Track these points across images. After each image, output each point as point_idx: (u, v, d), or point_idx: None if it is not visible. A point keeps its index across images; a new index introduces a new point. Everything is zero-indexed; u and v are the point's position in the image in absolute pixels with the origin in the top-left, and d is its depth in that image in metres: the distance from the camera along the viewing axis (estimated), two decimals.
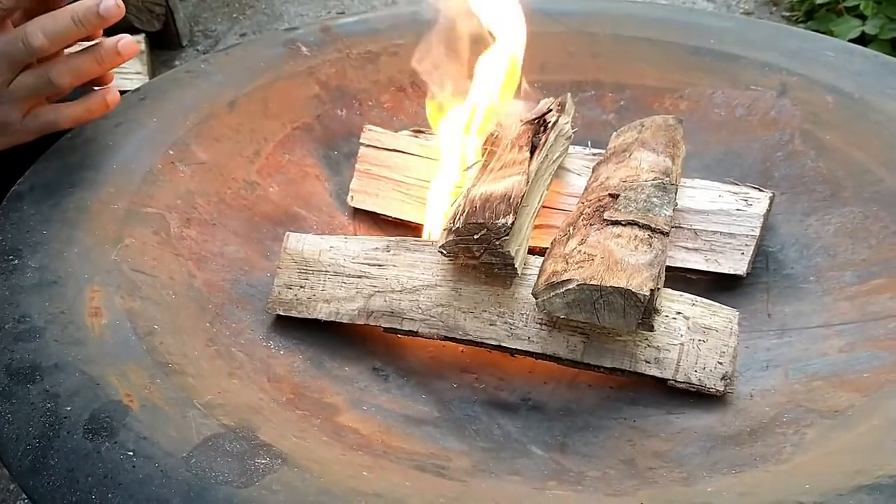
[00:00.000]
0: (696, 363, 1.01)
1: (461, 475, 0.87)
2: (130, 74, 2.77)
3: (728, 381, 1.00)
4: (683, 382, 1.01)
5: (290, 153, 1.38)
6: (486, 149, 1.20)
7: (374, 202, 1.33)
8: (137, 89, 1.37)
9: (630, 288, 0.92)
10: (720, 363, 1.00)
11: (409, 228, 1.32)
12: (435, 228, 1.23)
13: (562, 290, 0.94)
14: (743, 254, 1.18)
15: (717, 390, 1.00)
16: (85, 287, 0.98)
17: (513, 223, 0.96)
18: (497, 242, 0.96)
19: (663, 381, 1.02)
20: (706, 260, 1.19)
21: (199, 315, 1.04)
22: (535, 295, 0.97)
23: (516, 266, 0.98)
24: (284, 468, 0.77)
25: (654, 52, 1.52)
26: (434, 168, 1.29)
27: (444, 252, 0.99)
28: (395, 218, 1.32)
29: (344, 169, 1.40)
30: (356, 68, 1.51)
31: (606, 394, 1.07)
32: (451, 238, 0.98)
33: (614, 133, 1.32)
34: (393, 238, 1.10)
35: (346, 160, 1.41)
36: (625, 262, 0.95)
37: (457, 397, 1.06)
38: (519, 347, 1.04)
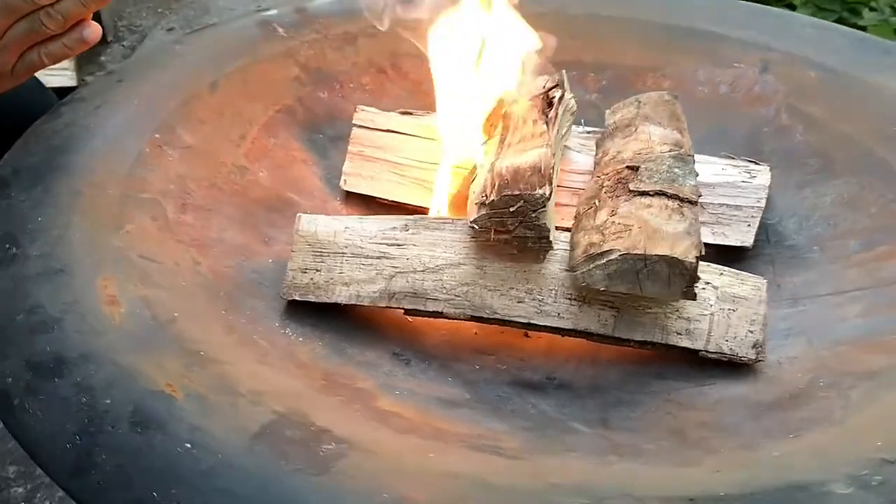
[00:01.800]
0: (727, 332, 1.00)
1: (520, 454, 0.84)
2: (56, 70, 2.63)
3: (759, 349, 1.00)
4: (715, 352, 1.01)
5: (274, 136, 1.32)
6: (490, 125, 1.17)
7: (369, 185, 1.28)
8: (112, 71, 1.29)
9: (676, 255, 0.90)
10: (751, 331, 1.00)
11: (406, 211, 1.28)
12: (441, 208, 1.20)
13: (603, 262, 0.92)
14: (749, 225, 1.18)
15: (749, 359, 1.00)
16: (95, 275, 0.91)
17: (550, 194, 0.93)
18: (533, 215, 0.94)
19: (692, 353, 1.01)
20: (713, 233, 1.19)
21: (213, 302, 0.98)
22: (572, 268, 0.95)
23: (551, 239, 0.95)
24: (354, 453, 0.73)
25: (634, 32, 1.52)
26: (430, 148, 1.26)
27: (476, 226, 0.96)
28: (390, 201, 1.28)
29: (330, 152, 1.35)
30: (335, 49, 1.46)
31: (631, 370, 1.06)
32: (483, 212, 0.95)
33: (608, 110, 1.31)
34: (411, 217, 1.06)
35: (331, 144, 1.36)
36: (663, 230, 0.94)
37: (482, 379, 1.03)
38: (549, 324, 1.01)
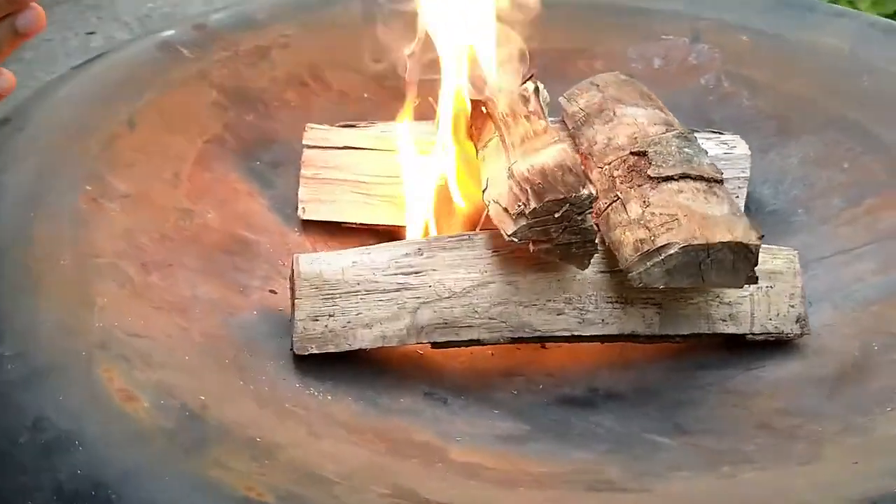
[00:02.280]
0: (769, 311, 0.96)
1: (635, 483, 0.75)
2: None
3: (803, 322, 0.97)
4: (761, 334, 0.96)
5: (209, 171, 1.16)
6: (474, 128, 1.07)
7: (331, 210, 1.15)
8: (6, 119, 1.08)
9: (740, 240, 0.85)
10: (792, 306, 0.97)
11: (376, 234, 1.16)
12: (416, 223, 1.08)
13: (661, 258, 0.85)
14: (738, 196, 1.15)
15: (795, 334, 0.97)
16: (91, 367, 0.74)
17: (596, 193, 0.85)
18: (579, 217, 0.85)
19: (734, 338, 0.97)
20: None
21: (226, 373, 0.84)
22: (626, 270, 0.87)
23: (597, 241, 0.87)
24: None
25: (557, 14, 1.45)
26: (394, 161, 1.14)
27: (517, 240, 0.86)
28: (358, 224, 1.15)
29: (273, 180, 1.21)
30: (249, 66, 1.31)
31: (669, 365, 1.00)
32: (523, 223, 0.86)
33: (562, 98, 1.24)
34: (423, 239, 0.95)
35: (272, 170, 1.22)
36: (711, 216, 0.88)
37: (526, 405, 0.94)
38: (594, 333, 0.93)
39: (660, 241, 0.86)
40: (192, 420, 0.71)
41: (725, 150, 1.17)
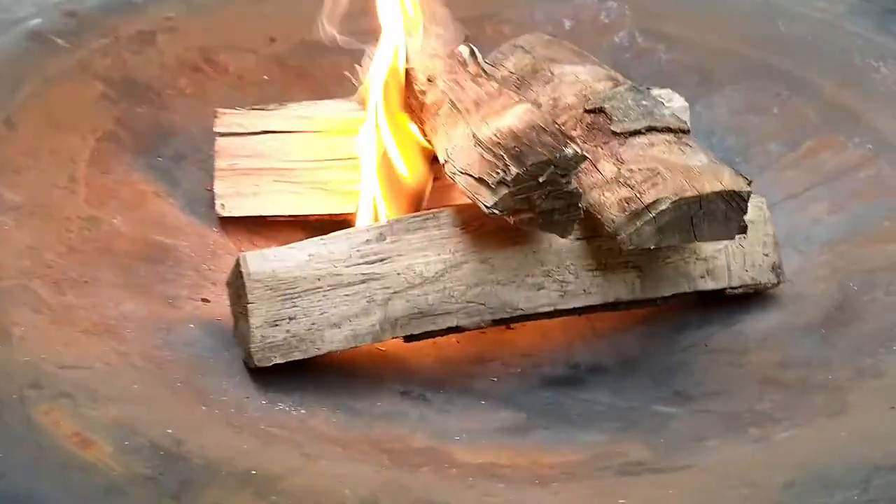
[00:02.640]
0: (745, 262, 0.92)
1: (671, 460, 0.69)
2: None
3: (779, 270, 0.93)
4: (739, 286, 0.92)
5: (108, 171, 1.02)
6: (409, 98, 0.98)
7: (254, 203, 1.03)
8: None
9: (731, 188, 0.80)
10: (766, 255, 0.93)
11: (307, 226, 1.04)
12: (366, 202, 0.98)
13: (652, 216, 0.79)
14: None
15: (773, 283, 0.93)
16: (29, 409, 0.60)
17: (582, 151, 0.78)
18: (564, 180, 0.78)
19: (707, 294, 0.92)
20: None
21: (183, 398, 0.72)
22: (615, 232, 0.80)
23: (581, 204, 0.80)
24: None
25: None
26: (321, 143, 1.03)
27: (498, 211, 0.78)
28: (287, 216, 1.03)
29: (178, 176, 1.08)
30: (134, 53, 1.16)
31: (642, 332, 0.95)
32: (504, 192, 0.77)
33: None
34: (383, 223, 0.85)
35: (175, 166, 1.09)
36: (692, 166, 0.83)
37: (512, 390, 0.87)
38: (578, 305, 0.86)
39: (647, 198, 0.80)
40: (170, 460, 0.59)
41: (665, 104, 1.12)
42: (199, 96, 1.18)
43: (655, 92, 1.14)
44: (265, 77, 1.24)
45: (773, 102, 1.19)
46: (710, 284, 0.91)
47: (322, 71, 1.24)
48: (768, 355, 0.86)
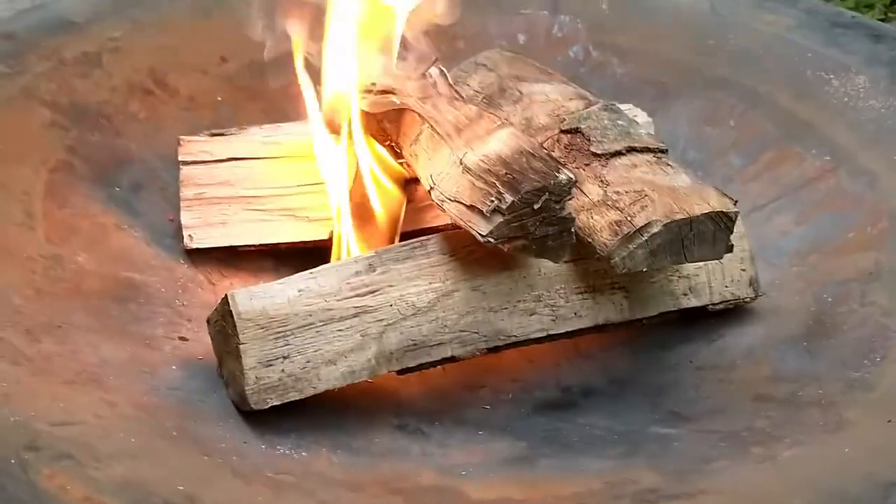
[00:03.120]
0: (724, 278, 0.93)
1: (685, 485, 0.69)
2: None
3: (756, 284, 0.95)
4: (720, 302, 0.93)
5: (66, 205, 0.97)
6: (383, 122, 0.96)
7: (223, 233, 0.99)
8: None
9: (719, 209, 0.80)
10: (743, 269, 0.94)
11: (277, 255, 1.01)
12: (340, 228, 0.96)
13: (644, 239, 0.79)
14: None
15: (750, 297, 0.94)
16: (32, 475, 0.56)
17: (575, 177, 0.77)
18: (557, 206, 0.77)
19: (687, 311, 0.93)
20: None
21: (182, 449, 0.69)
22: (608, 255, 0.80)
23: (573, 230, 0.79)
24: None
25: None
26: (291, 168, 1.01)
27: (493, 239, 0.76)
28: (258, 246, 1.00)
29: (139, 207, 1.03)
30: (81, 76, 1.10)
31: (627, 351, 0.95)
32: (499, 220, 0.76)
33: None
34: (372, 253, 0.82)
35: (134, 195, 1.04)
36: (678, 187, 0.83)
37: (507, 418, 0.86)
38: (570, 328, 0.86)
39: (638, 221, 0.80)
40: None
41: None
42: (152, 120, 1.13)
43: (623, 105, 1.15)
44: (218, 98, 1.20)
45: (729, 114, 1.21)
46: (692, 302, 0.92)
47: (275, 91, 1.21)
48: (756, 370, 0.87)
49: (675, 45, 1.29)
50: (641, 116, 1.14)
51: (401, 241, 0.97)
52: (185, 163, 0.98)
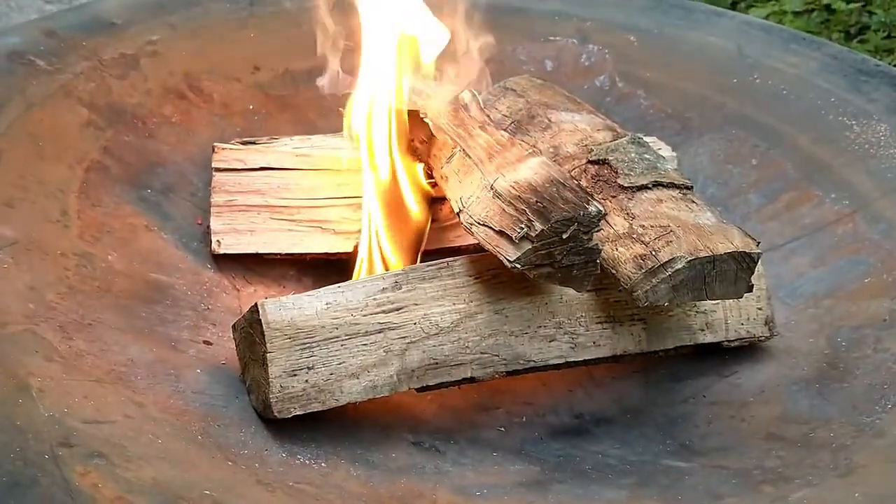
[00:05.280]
0: (741, 316, 0.95)
1: None
2: None
3: (771, 323, 0.96)
4: (735, 339, 0.95)
5: (99, 204, 0.99)
6: (414, 141, 0.98)
7: (250, 241, 1.01)
8: None
9: (743, 249, 0.82)
10: (760, 308, 0.96)
11: (301, 264, 1.03)
12: (366, 249, 0.98)
13: (667, 274, 0.81)
14: None
15: (765, 336, 0.96)
16: (65, 471, 0.58)
17: (605, 209, 0.79)
18: (585, 237, 0.79)
19: (702, 345, 0.94)
20: None
21: (208, 453, 0.70)
22: (631, 288, 0.82)
23: (599, 261, 0.81)
24: None
25: (437, 16, 1.39)
26: (321, 181, 1.02)
27: (520, 265, 0.78)
28: (284, 254, 1.02)
29: (169, 210, 1.05)
30: (118, 77, 1.13)
31: (640, 381, 0.96)
32: (527, 247, 0.78)
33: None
34: (399, 271, 0.84)
35: (164, 198, 1.06)
36: (703, 225, 0.85)
37: (521, 441, 0.87)
38: (588, 357, 0.88)
39: (663, 256, 0.81)
40: None
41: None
42: (184, 125, 1.15)
43: (648, 138, 1.17)
44: (250, 106, 1.22)
45: (751, 153, 1.23)
46: (708, 337, 0.93)
47: (306, 101, 1.23)
48: (768, 409, 0.89)
49: (701, 81, 1.31)
50: (666, 150, 1.16)
51: (423, 258, 0.99)
52: (219, 169, 1.00)
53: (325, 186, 1.02)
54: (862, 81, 1.24)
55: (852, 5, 2.08)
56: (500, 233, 0.80)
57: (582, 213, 0.78)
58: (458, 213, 0.86)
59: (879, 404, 0.84)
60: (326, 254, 1.02)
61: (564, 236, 0.78)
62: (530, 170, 0.84)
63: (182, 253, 1.00)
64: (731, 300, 0.94)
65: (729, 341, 0.94)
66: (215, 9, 1.28)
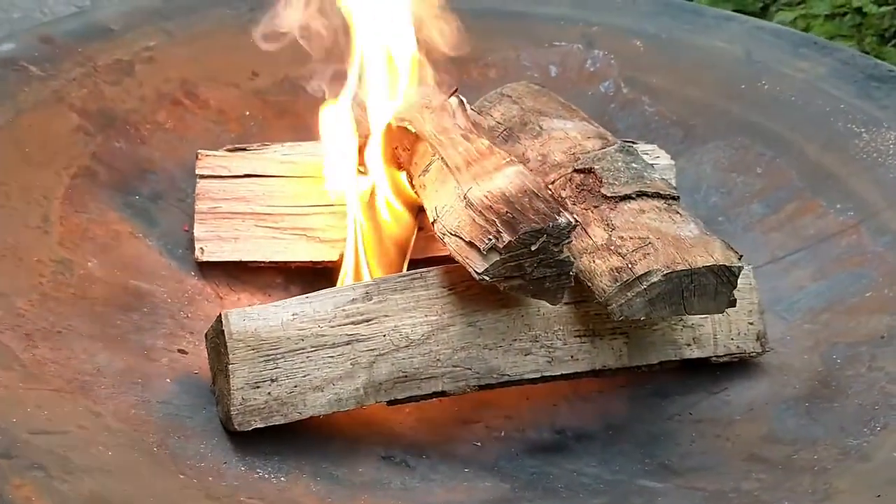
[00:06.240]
0: (731, 330, 0.92)
1: None
2: None
3: (763, 339, 0.93)
4: (725, 355, 0.92)
5: (84, 210, 0.99)
6: (398, 149, 0.97)
7: (234, 248, 1.00)
8: None
9: (723, 263, 0.79)
10: (751, 323, 0.93)
11: (286, 272, 1.02)
12: (350, 259, 0.97)
13: (643, 287, 0.78)
14: None
15: (756, 352, 0.93)
16: (1, 483, 0.57)
17: (575, 220, 0.77)
18: (556, 249, 0.76)
19: (692, 360, 0.92)
20: None
21: (160, 465, 0.69)
22: (606, 301, 0.79)
23: (572, 272, 0.79)
24: None
25: (441, 22, 1.37)
26: (306, 189, 1.02)
27: (488, 278, 0.76)
28: (268, 262, 1.01)
29: (156, 216, 1.05)
30: (112, 84, 1.13)
31: (627, 396, 0.94)
32: (495, 259, 0.76)
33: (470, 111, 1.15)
34: (370, 281, 0.83)
35: (153, 205, 1.06)
36: (683, 237, 0.82)
37: (496, 457, 0.85)
38: (565, 371, 0.85)
39: (639, 269, 0.79)
40: None
41: (651, 161, 1.12)
42: (178, 131, 1.15)
43: (642, 148, 1.14)
44: (247, 112, 1.21)
45: (756, 162, 1.19)
46: (695, 353, 0.91)
47: (304, 108, 1.22)
48: (753, 428, 0.86)
49: (707, 87, 1.28)
50: (664, 158, 1.13)
51: (409, 268, 0.98)
52: (203, 176, 1.00)
53: (310, 194, 1.01)
54: (873, 87, 1.20)
55: (884, 8, 2.01)
56: (470, 243, 0.78)
57: (551, 224, 0.76)
58: (432, 223, 0.85)
59: (868, 426, 0.81)
60: (312, 262, 1.01)
61: (533, 248, 0.76)
62: (506, 179, 0.82)
63: (166, 260, 1.00)
64: (719, 315, 0.91)
65: (717, 357, 0.91)
66: (214, 15, 1.28)
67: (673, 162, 1.12)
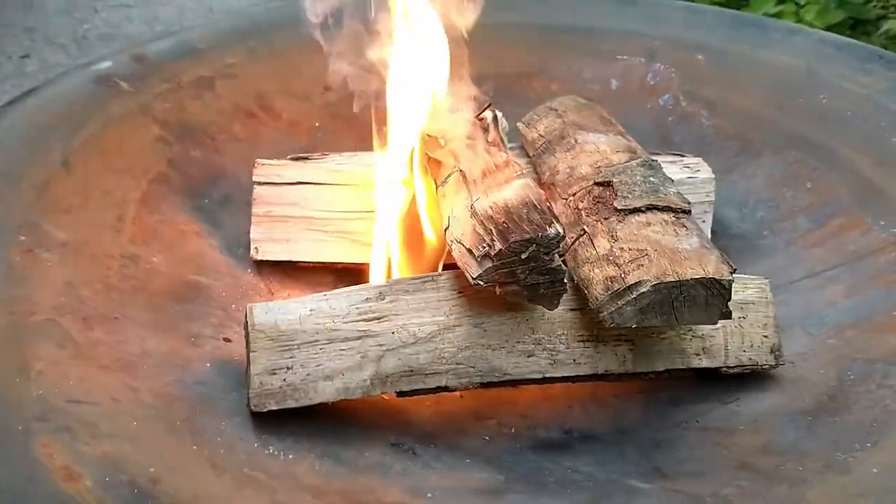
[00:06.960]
0: (743, 342, 0.93)
1: None
2: None
3: (777, 353, 0.94)
4: (736, 366, 0.93)
5: (157, 212, 1.10)
6: (431, 161, 1.03)
7: (285, 249, 1.09)
8: None
9: (713, 276, 0.82)
10: (765, 336, 0.94)
11: (333, 272, 1.11)
12: (380, 258, 1.04)
13: (633, 296, 0.82)
14: (703, 221, 1.13)
15: (770, 365, 0.94)
16: (29, 441, 0.68)
17: (564, 232, 0.82)
18: (547, 258, 0.81)
19: (707, 370, 0.94)
20: None
21: (178, 437, 0.78)
22: (598, 309, 0.84)
23: (566, 280, 0.83)
24: None
25: (507, 36, 1.43)
26: (351, 196, 1.10)
27: (482, 282, 0.82)
28: (315, 263, 1.10)
29: (222, 218, 1.15)
30: (193, 98, 1.25)
31: (642, 403, 0.97)
32: (488, 265, 0.81)
33: (520, 123, 1.20)
34: (384, 283, 0.90)
35: (220, 208, 1.16)
36: (681, 250, 0.85)
37: (500, 451, 0.90)
38: (566, 374, 0.90)
39: (630, 279, 0.82)
40: (141, 498, 0.65)
41: (689, 174, 1.14)
42: (251, 141, 1.26)
43: (687, 161, 1.16)
44: (316, 124, 1.31)
45: (807, 176, 1.19)
46: (704, 363, 0.93)
47: (370, 120, 1.31)
48: (754, 439, 0.87)
49: (765, 101, 1.29)
50: (704, 172, 1.15)
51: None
52: (259, 183, 1.09)
53: (357, 201, 1.09)
54: None
55: None
56: (469, 251, 0.84)
57: (541, 234, 0.80)
58: (444, 231, 0.91)
59: (860, 442, 0.81)
60: (354, 263, 1.09)
61: (524, 256, 0.81)
62: (511, 191, 0.87)
63: (225, 258, 1.10)
64: (732, 326, 0.93)
65: (728, 367, 0.93)
66: (293, 34, 1.38)
67: (713, 176, 1.14)
